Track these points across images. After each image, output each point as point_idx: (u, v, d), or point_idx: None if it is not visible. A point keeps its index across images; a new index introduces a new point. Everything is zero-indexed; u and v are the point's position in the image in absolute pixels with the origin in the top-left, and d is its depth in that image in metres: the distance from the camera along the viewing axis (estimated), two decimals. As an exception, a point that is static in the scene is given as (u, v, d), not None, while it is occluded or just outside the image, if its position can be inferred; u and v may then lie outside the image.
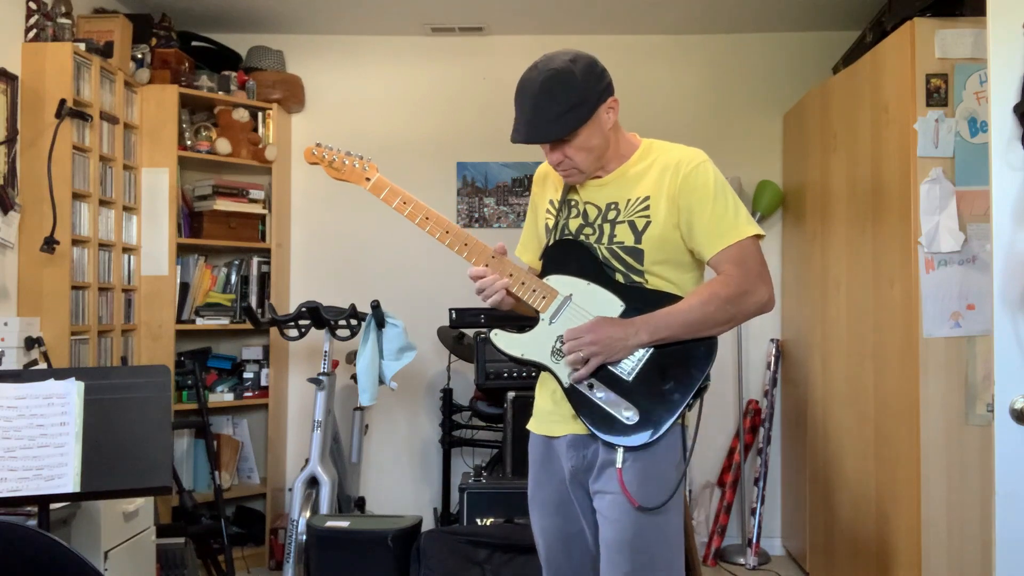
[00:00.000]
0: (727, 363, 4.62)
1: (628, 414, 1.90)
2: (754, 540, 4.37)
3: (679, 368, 1.92)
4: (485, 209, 4.68)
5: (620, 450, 1.89)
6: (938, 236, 2.95)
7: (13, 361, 3.08)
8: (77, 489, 2.16)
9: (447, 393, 4.31)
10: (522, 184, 4.67)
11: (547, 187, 2.15)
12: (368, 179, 2.08)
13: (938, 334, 2.96)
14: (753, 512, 4.41)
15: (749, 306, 1.92)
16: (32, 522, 2.40)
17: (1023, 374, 1.76)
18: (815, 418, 4.02)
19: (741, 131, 4.62)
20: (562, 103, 1.87)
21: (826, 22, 4.46)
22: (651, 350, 1.92)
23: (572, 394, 1.95)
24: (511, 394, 3.70)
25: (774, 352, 4.54)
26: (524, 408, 3.62)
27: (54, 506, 2.36)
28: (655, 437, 1.89)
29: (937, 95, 2.98)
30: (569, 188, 2.05)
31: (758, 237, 1.95)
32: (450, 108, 4.69)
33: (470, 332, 4.21)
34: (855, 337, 3.55)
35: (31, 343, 3.15)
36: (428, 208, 2.06)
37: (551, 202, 2.10)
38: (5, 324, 3.12)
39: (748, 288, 1.91)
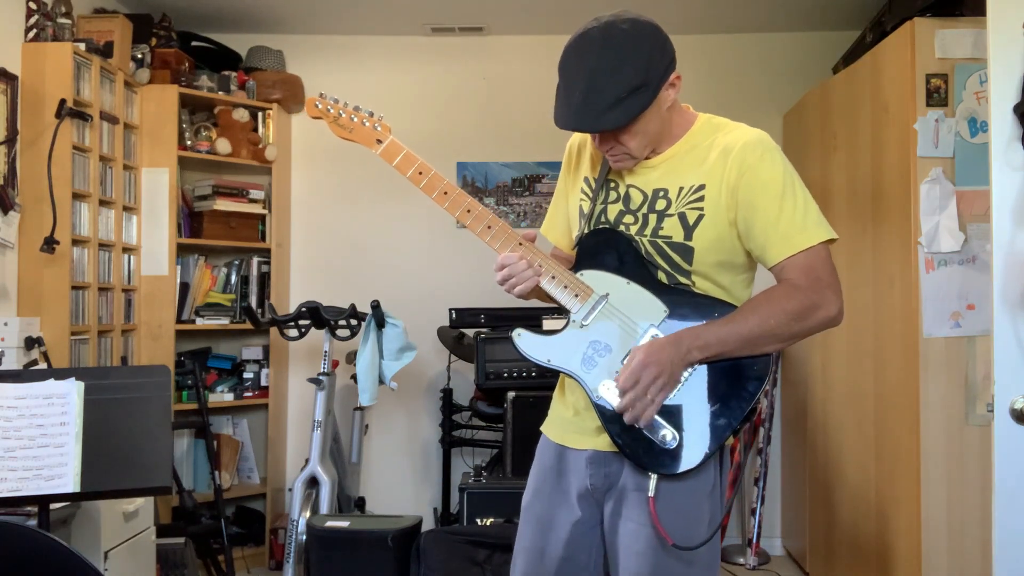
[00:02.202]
0: (727, 363, 4.61)
1: (667, 437, 1.64)
2: (754, 540, 4.36)
3: (728, 388, 1.65)
4: (485, 209, 4.67)
5: (653, 477, 1.64)
6: (938, 236, 2.95)
7: (13, 361, 3.08)
8: (77, 489, 2.16)
9: (447, 393, 4.31)
10: (522, 184, 4.67)
11: (583, 162, 1.85)
12: (379, 141, 1.80)
13: (938, 334, 2.95)
14: (753, 512, 4.41)
15: (816, 322, 1.65)
16: (32, 522, 2.40)
17: (1023, 374, 1.76)
18: (815, 418, 4.02)
19: (741, 131, 4.61)
20: (622, 85, 1.57)
21: (826, 22, 4.46)
22: (697, 368, 1.66)
23: (601, 410, 1.68)
24: (511, 394, 3.70)
25: (774, 352, 4.53)
26: (524, 408, 3.63)
27: (54, 506, 2.35)
28: (696, 466, 1.64)
29: (937, 95, 2.98)
30: (609, 166, 1.75)
31: (830, 241, 1.66)
32: (450, 108, 4.69)
33: (470, 332, 4.21)
34: (855, 337, 3.54)
35: (31, 343, 3.15)
36: (447, 181, 1.79)
37: (586, 180, 1.81)
38: (5, 324, 3.12)
39: (818, 302, 1.63)
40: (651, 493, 1.63)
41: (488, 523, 3.50)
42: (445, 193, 1.78)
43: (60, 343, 3.32)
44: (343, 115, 1.84)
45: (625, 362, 1.65)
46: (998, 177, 1.80)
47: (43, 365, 3.15)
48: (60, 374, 2.27)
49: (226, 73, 4.34)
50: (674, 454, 1.64)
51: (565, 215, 1.91)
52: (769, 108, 4.59)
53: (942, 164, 2.98)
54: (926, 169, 2.98)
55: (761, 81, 4.63)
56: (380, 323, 3.71)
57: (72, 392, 2.23)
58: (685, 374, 1.65)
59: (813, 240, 1.64)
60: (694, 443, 1.64)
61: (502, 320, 4.04)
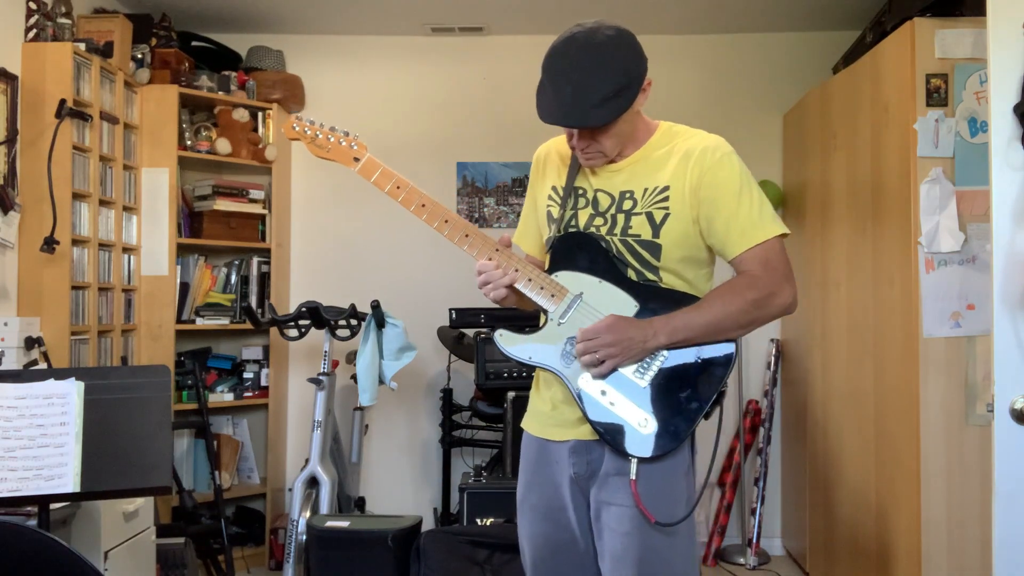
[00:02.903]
0: (727, 363, 4.61)
1: (643, 423, 1.77)
2: (754, 540, 4.37)
3: (697, 375, 1.79)
4: (485, 209, 4.68)
5: (634, 461, 1.76)
6: (938, 236, 2.95)
7: (13, 361, 3.08)
8: (77, 489, 2.16)
9: (447, 393, 4.31)
10: (522, 184, 4.67)
11: (548, 171, 1.97)
12: (356, 159, 1.91)
13: (938, 334, 2.95)
14: (753, 512, 4.41)
15: (773, 308, 1.81)
16: (32, 522, 2.40)
17: (1023, 374, 1.76)
18: (815, 418, 4.02)
19: (741, 131, 4.60)
20: (610, 85, 1.69)
21: (826, 22, 4.46)
22: (668, 356, 1.79)
23: (583, 400, 1.81)
24: (511, 394, 3.70)
25: (774, 352, 4.54)
26: (524, 408, 3.61)
27: (54, 506, 2.36)
28: (672, 448, 1.76)
29: (937, 95, 2.98)
30: (576, 174, 1.88)
31: (783, 236, 1.83)
32: (450, 108, 4.69)
33: (470, 332, 4.21)
34: (855, 337, 3.54)
35: (31, 343, 3.15)
36: (424, 194, 1.88)
37: (553, 188, 1.93)
38: (5, 324, 3.12)
39: (774, 290, 1.79)
40: (632, 476, 1.76)
41: (488, 523, 3.50)
42: (423, 205, 1.88)
43: (60, 343, 3.32)
44: (320, 136, 1.94)
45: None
46: (998, 177, 1.80)
47: (43, 365, 3.15)
48: (60, 374, 2.27)
49: (226, 73, 4.34)
50: (651, 438, 1.77)
51: (536, 224, 2.01)
52: (769, 108, 4.60)
53: (942, 164, 2.98)
54: (926, 169, 2.98)
55: (761, 81, 4.63)
56: (380, 323, 3.71)
57: (72, 392, 2.23)
58: (656, 362, 1.78)
59: (769, 234, 1.79)
60: (669, 427, 1.77)
61: (503, 321, 4.03)
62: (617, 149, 1.81)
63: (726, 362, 1.81)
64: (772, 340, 4.57)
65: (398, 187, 1.88)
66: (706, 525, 4.52)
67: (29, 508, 2.47)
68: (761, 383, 4.63)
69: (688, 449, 1.83)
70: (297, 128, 1.96)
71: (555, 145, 1.97)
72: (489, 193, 4.68)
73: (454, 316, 4.14)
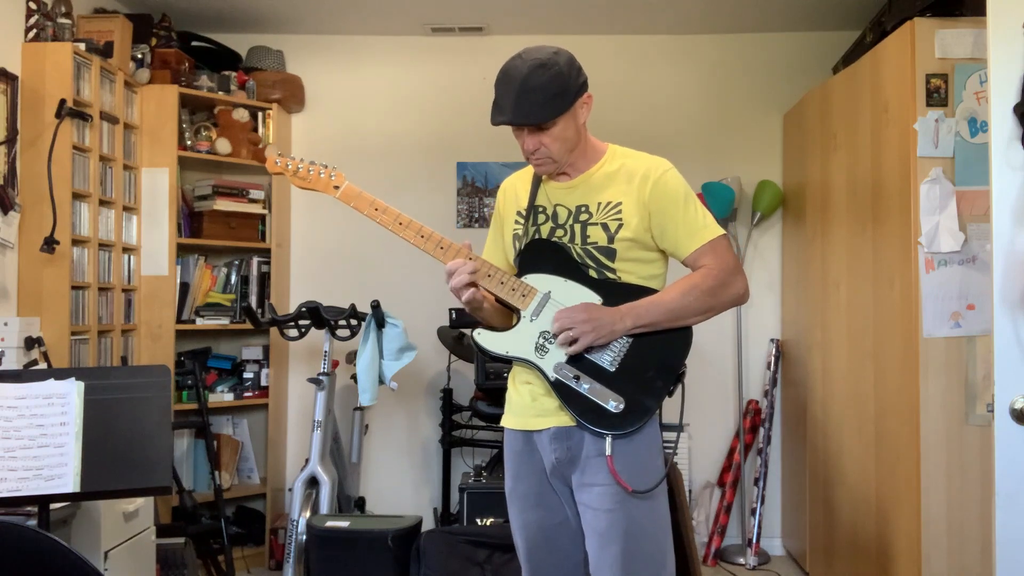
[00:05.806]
0: (727, 363, 4.62)
1: (615, 403, 1.95)
2: (754, 540, 4.37)
3: (659, 357, 2.00)
4: (485, 209, 4.68)
5: (608, 439, 1.94)
6: (938, 236, 2.95)
7: (13, 361, 3.08)
8: (77, 489, 2.16)
9: (447, 393, 4.31)
10: (522, 184, 4.67)
11: (513, 199, 2.19)
12: (337, 187, 2.11)
13: (938, 334, 2.96)
14: (753, 512, 4.41)
15: (727, 297, 2.03)
16: (32, 522, 2.40)
17: (1023, 374, 1.76)
18: (815, 418, 4.02)
19: (741, 131, 4.62)
20: (547, 90, 1.92)
21: (826, 22, 4.46)
22: (631, 341, 1.98)
23: (558, 388, 1.99)
24: (511, 394, 3.70)
25: (774, 352, 4.54)
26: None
27: (54, 506, 2.36)
28: (642, 424, 1.96)
29: (937, 95, 2.98)
30: (536, 194, 2.11)
31: (724, 236, 2.07)
32: (450, 108, 4.69)
33: (470, 332, 4.20)
34: (855, 337, 3.55)
35: (31, 343, 3.15)
36: (400, 213, 2.09)
37: (519, 212, 2.14)
38: (5, 324, 3.12)
39: (726, 280, 2.01)
40: (608, 452, 1.93)
41: (488, 523, 3.51)
42: (400, 223, 2.10)
43: (60, 343, 3.32)
44: (301, 169, 2.14)
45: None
46: (998, 177, 1.80)
47: (43, 365, 3.15)
48: (60, 374, 2.27)
49: (226, 73, 4.34)
50: (623, 416, 1.95)
51: (501, 245, 2.21)
52: (769, 108, 4.60)
53: (942, 164, 2.98)
54: (926, 169, 2.98)
55: (761, 81, 4.63)
56: (380, 323, 3.71)
57: (72, 392, 2.23)
58: (623, 348, 1.97)
59: (714, 234, 2.03)
60: (638, 405, 1.96)
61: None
62: (565, 156, 2.01)
63: (683, 345, 2.02)
64: (772, 340, 4.58)
65: (376, 209, 2.09)
66: (706, 525, 4.52)
67: (29, 508, 2.47)
68: (761, 383, 4.63)
69: (656, 425, 2.02)
70: (279, 163, 2.15)
71: (516, 178, 2.20)
72: (489, 193, 4.68)
73: (454, 316, 4.17)
